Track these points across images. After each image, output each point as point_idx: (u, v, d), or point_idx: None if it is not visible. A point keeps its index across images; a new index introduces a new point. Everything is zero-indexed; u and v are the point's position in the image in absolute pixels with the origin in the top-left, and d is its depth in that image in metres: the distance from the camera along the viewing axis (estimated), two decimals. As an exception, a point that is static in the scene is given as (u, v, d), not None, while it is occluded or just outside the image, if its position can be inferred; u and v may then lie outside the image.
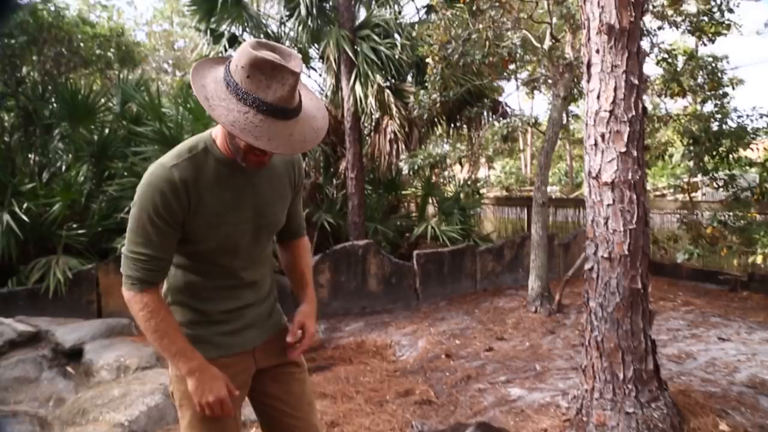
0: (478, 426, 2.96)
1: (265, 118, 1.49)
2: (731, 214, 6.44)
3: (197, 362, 1.72)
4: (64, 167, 8.16)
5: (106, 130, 8.10)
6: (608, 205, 3.88)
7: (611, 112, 3.82)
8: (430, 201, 10.62)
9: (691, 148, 7.20)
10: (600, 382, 3.87)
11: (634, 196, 3.80)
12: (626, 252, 3.82)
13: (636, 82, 3.81)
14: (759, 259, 5.58)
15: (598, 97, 3.89)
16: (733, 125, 7.12)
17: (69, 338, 4.94)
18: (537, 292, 7.31)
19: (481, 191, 11.95)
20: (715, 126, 7.15)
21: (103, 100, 8.47)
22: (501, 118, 9.15)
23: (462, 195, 10.65)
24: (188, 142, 1.77)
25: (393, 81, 9.47)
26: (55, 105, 8.17)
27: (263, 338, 1.97)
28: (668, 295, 8.08)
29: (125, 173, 7.71)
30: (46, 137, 8.21)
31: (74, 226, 7.18)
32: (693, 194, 7.64)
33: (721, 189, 7.42)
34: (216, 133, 1.75)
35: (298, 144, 1.55)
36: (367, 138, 9.98)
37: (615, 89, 3.80)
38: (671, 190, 11.34)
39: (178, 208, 1.66)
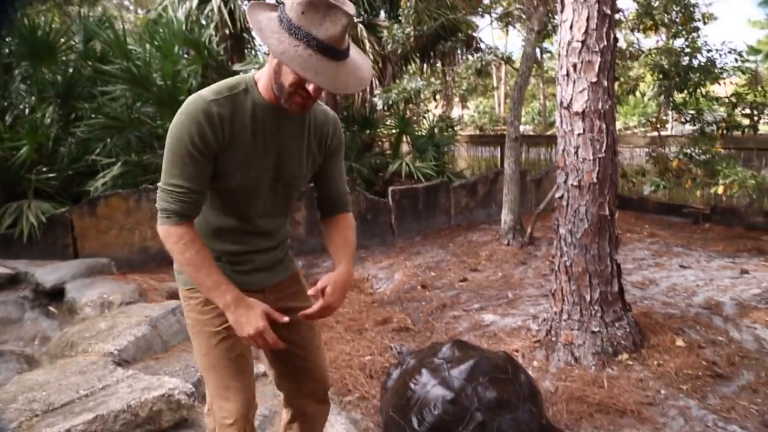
0: (454, 343, 3.13)
1: (314, 53, 1.50)
2: (697, 147, 6.64)
3: (232, 295, 1.67)
4: (27, 110, 7.89)
5: (70, 70, 7.81)
6: (579, 135, 3.99)
7: (583, 42, 3.87)
8: (405, 139, 10.65)
9: (661, 82, 7.32)
10: (568, 304, 4.09)
11: (604, 126, 3.92)
12: (595, 180, 3.97)
13: (608, 12, 3.85)
14: (720, 190, 5.82)
15: (571, 28, 3.93)
16: (703, 60, 7.24)
17: (49, 278, 4.95)
18: (509, 225, 7.52)
19: (456, 128, 11.98)
20: (685, 61, 7.25)
21: (64, 39, 8.12)
22: (474, 53, 9.10)
23: (436, 131, 10.69)
24: (229, 80, 1.73)
25: (366, 15, 9.28)
26: (13, 43, 7.82)
27: (273, 281, 1.97)
28: (635, 228, 8.39)
29: (93, 114, 7.51)
30: (6, 78, 7.90)
31: (44, 170, 7.02)
32: (661, 129, 7.81)
33: (688, 124, 7.61)
34: (259, 75, 1.72)
35: (342, 85, 1.56)
36: (341, 75, 9.82)
37: (587, 19, 3.84)
38: (641, 128, 11.54)
39: (213, 140, 1.64)
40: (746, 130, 7.05)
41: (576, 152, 4.03)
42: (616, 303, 4.05)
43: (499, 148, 12.13)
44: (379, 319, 5.26)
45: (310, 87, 1.57)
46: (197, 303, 1.88)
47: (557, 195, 4.22)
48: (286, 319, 1.73)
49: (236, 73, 7.86)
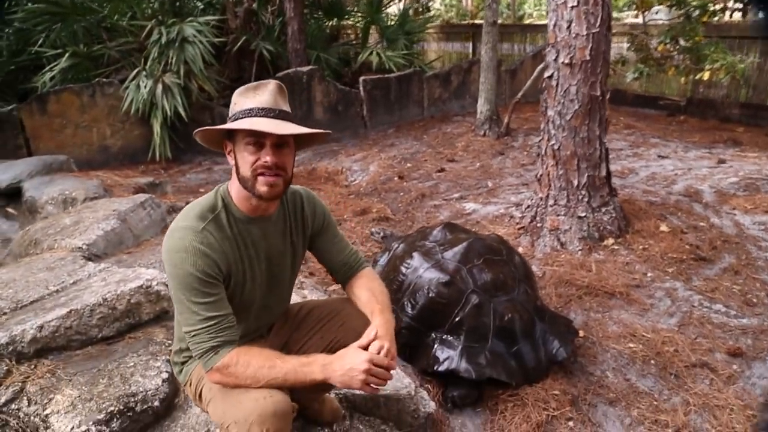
0: (445, 226, 2.98)
1: (253, 117, 1.56)
2: (683, 34, 6.38)
3: (319, 362, 1.57)
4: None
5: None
6: (572, 7, 3.69)
7: None
8: (373, 29, 10.01)
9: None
10: (554, 189, 3.98)
11: (601, -3, 3.62)
12: (588, 57, 3.73)
13: None
14: (706, 76, 5.65)
15: None
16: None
17: (3, 178, 4.56)
18: (486, 115, 7.28)
19: (429, 12, 11.30)
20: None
21: None
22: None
23: (411, 12, 10.01)
24: (204, 202, 1.64)
25: None
26: None
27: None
28: (611, 119, 8.25)
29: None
30: None
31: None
32: (645, 11, 7.47)
33: (674, 8, 7.28)
34: (230, 186, 1.67)
35: (285, 129, 1.53)
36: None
37: None
38: (625, 9, 11.09)
39: (222, 266, 1.57)
40: (732, 15, 6.78)
41: (569, 27, 3.74)
42: (603, 188, 3.95)
43: (471, 43, 11.61)
44: (358, 209, 5.10)
45: (266, 157, 1.55)
46: None
47: (546, 75, 3.97)
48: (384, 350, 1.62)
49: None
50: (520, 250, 3.89)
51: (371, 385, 1.55)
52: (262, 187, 1.56)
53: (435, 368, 2.46)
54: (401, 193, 5.51)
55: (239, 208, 1.64)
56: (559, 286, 3.33)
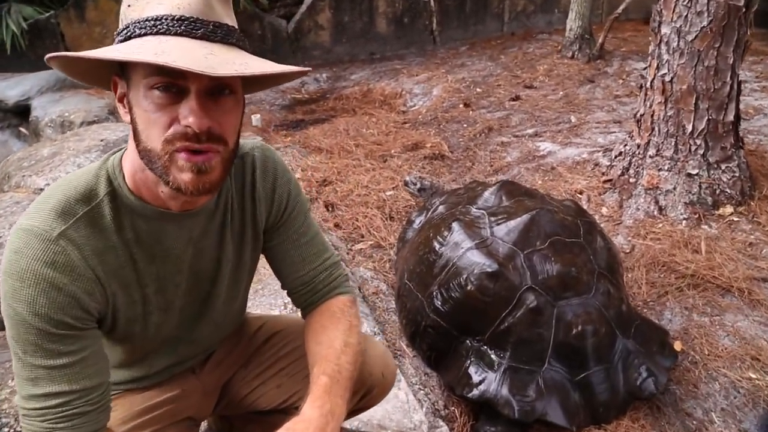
0: (503, 186, 2.21)
1: (161, 38, 0.81)
2: None
3: None
4: None
5: None
6: None
7: None
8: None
9: None
10: (658, 135, 3.04)
11: None
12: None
13: None
14: None
15: None
16: None
17: (12, 93, 4.14)
18: (576, 33, 6.11)
19: None
20: None
21: None
22: None
23: None
24: (78, 182, 0.93)
25: None
26: None
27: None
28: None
29: None
30: None
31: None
32: None
33: None
34: (124, 160, 0.95)
35: (222, 64, 0.79)
36: None
37: None
38: None
39: (93, 298, 0.92)
40: None
41: None
42: (728, 137, 2.96)
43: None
44: (409, 143, 4.33)
45: (189, 118, 0.82)
46: None
47: (665, -23, 2.93)
48: None
49: None
50: (604, 211, 3.04)
51: None
52: (182, 174, 0.86)
53: (463, 392, 1.78)
54: (464, 125, 4.66)
55: (138, 197, 0.95)
56: (652, 269, 2.50)
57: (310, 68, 0.93)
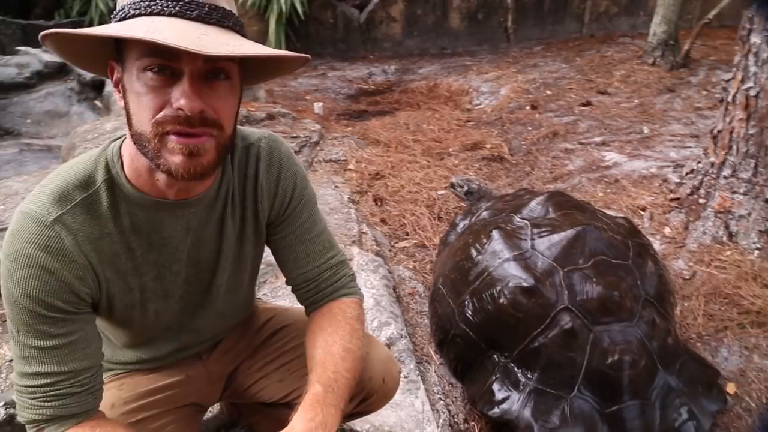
0: (551, 196, 2.09)
1: (154, 18, 0.79)
2: None
3: None
4: None
5: None
6: None
7: None
8: None
9: None
10: (736, 154, 2.80)
11: None
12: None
13: None
14: None
15: None
16: None
17: (90, 67, 4.38)
18: (660, 39, 5.75)
19: None
20: None
21: None
22: None
23: None
24: (78, 168, 0.93)
25: None
26: None
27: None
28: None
29: None
30: None
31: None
32: None
33: None
34: (122, 148, 0.95)
35: (215, 45, 0.76)
36: None
37: None
38: None
39: (85, 284, 0.92)
40: None
41: None
42: (816, 161, 2.69)
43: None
44: (469, 142, 4.23)
45: (181, 100, 0.80)
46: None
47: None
48: None
49: None
50: (667, 232, 2.84)
51: None
52: (172, 156, 0.83)
53: (484, 409, 1.70)
54: (529, 128, 4.50)
55: (135, 186, 0.93)
56: (712, 300, 2.30)
57: (308, 56, 0.89)
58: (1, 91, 4.27)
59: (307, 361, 1.06)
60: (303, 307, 1.19)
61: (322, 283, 1.13)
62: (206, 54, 0.73)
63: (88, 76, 4.23)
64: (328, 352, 1.03)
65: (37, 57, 4.53)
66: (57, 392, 0.90)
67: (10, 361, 1.73)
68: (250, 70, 0.93)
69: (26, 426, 0.93)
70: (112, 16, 0.84)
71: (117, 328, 1.08)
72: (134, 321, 1.05)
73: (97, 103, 4.27)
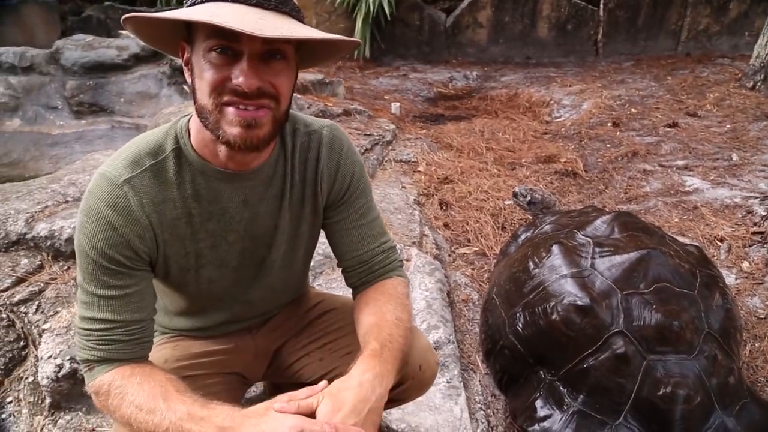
0: (618, 216, 2.02)
1: (219, 3, 0.89)
2: None
3: (217, 420, 0.91)
4: None
5: None
6: None
7: None
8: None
9: None
10: (832, 191, 2.61)
11: None
12: None
13: None
14: None
15: None
16: None
17: (181, 53, 4.65)
18: (764, 61, 5.40)
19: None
20: None
21: None
22: None
23: None
24: (150, 138, 1.05)
25: None
26: None
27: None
28: None
29: None
30: None
31: None
32: None
33: None
34: (190, 122, 1.05)
35: (271, 28, 0.85)
36: None
37: None
38: None
39: (144, 243, 1.01)
40: None
41: None
42: None
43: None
44: (543, 155, 4.15)
45: (240, 77, 0.89)
46: None
47: None
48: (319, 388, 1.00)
49: None
50: (744, 267, 2.68)
51: None
52: (231, 128, 0.92)
53: (524, 424, 1.67)
54: (608, 145, 4.35)
55: (200, 156, 1.03)
56: (786, 343, 2.16)
57: (358, 40, 0.97)
58: (102, 71, 4.61)
59: (359, 329, 1.12)
60: (351, 292, 1.24)
61: (375, 265, 1.20)
62: (263, 36, 0.82)
63: (179, 61, 4.48)
64: (382, 317, 1.10)
65: (135, 41, 4.84)
66: (109, 337, 0.99)
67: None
68: (305, 52, 1.01)
69: (80, 364, 1.03)
70: (184, 2, 0.93)
71: (174, 292, 1.17)
72: (189, 285, 1.13)
73: (185, 87, 4.51)
